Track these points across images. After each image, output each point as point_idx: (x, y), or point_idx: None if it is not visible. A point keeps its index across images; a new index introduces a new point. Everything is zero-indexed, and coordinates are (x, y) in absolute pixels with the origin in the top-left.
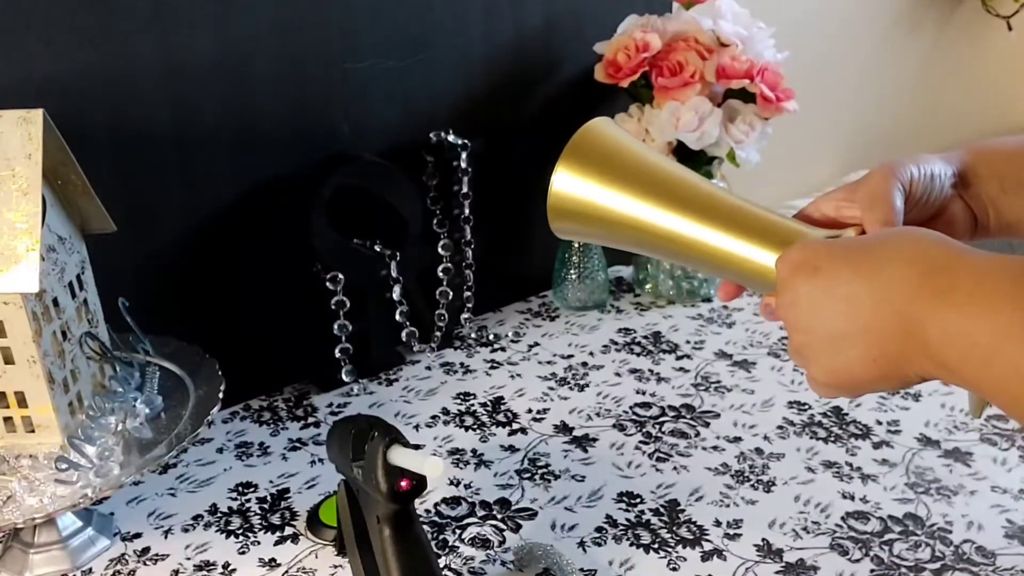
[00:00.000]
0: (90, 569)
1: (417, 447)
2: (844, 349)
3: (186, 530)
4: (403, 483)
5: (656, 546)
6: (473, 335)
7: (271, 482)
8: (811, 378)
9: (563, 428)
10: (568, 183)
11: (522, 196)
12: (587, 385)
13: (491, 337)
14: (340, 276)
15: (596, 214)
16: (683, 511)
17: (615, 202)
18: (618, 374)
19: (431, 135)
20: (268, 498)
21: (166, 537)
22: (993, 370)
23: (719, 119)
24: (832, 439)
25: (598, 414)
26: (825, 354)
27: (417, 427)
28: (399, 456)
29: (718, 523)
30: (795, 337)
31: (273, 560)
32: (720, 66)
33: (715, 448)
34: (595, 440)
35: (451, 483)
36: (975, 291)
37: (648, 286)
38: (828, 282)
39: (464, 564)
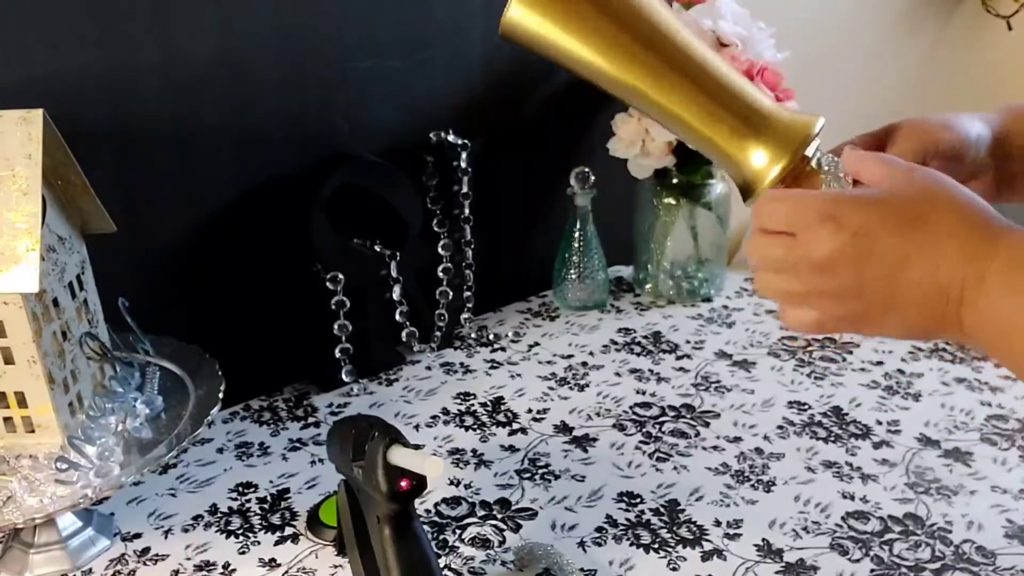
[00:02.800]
0: (90, 569)
1: (417, 447)
2: (884, 313)
3: (186, 530)
4: (403, 483)
5: (656, 546)
6: (473, 335)
7: (271, 482)
8: (817, 322)
9: (563, 428)
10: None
11: (522, 196)
12: (587, 385)
13: (491, 337)
14: (340, 276)
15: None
16: (683, 511)
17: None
18: (618, 374)
19: (431, 135)
20: (268, 498)
21: (166, 537)
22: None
23: None
24: (832, 439)
25: (598, 414)
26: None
27: (417, 427)
28: (399, 456)
29: (718, 523)
30: (811, 282)
31: (273, 560)
32: None
33: (715, 448)
34: (595, 440)
35: (451, 483)
36: (1011, 272)
37: (648, 286)
38: (868, 241)
39: (464, 564)
